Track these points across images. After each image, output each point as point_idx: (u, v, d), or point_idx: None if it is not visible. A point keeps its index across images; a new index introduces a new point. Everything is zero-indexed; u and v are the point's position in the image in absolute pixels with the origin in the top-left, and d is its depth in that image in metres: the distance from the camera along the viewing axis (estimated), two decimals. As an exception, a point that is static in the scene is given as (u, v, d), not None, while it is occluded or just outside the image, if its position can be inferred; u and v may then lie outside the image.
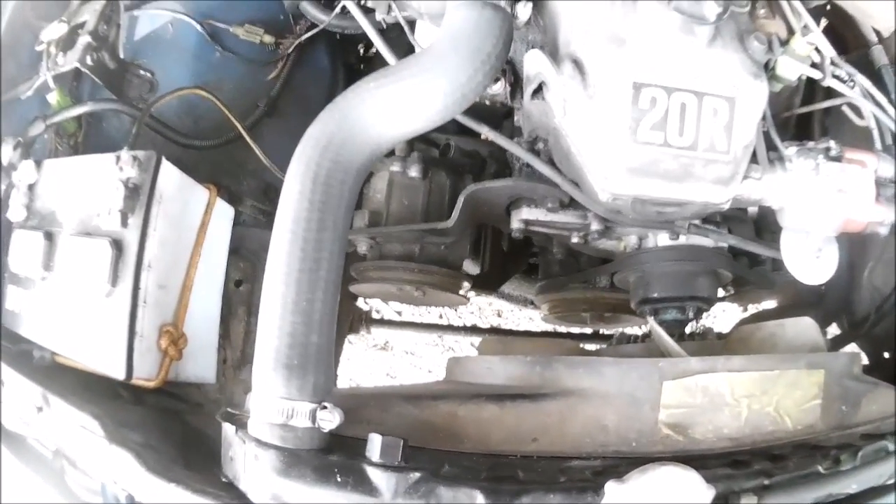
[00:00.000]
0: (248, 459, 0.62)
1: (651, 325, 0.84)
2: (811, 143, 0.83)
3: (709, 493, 0.62)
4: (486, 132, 0.81)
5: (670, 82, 0.70)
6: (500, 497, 0.60)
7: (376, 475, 0.60)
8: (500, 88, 0.77)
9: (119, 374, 0.73)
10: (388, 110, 0.64)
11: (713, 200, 0.76)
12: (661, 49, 0.71)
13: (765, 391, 0.76)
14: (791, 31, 0.87)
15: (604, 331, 1.38)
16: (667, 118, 0.70)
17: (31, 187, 0.87)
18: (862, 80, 0.89)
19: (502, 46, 0.68)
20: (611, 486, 0.59)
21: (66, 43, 0.93)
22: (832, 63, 0.88)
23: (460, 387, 0.76)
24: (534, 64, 0.70)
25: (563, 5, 0.73)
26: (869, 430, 0.82)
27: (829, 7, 0.98)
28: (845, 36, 1.06)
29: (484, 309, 2.16)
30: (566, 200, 0.85)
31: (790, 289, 1.25)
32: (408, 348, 2.23)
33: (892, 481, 0.76)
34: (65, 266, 0.79)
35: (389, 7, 0.81)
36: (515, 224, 0.89)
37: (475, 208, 0.89)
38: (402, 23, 0.80)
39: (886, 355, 1.14)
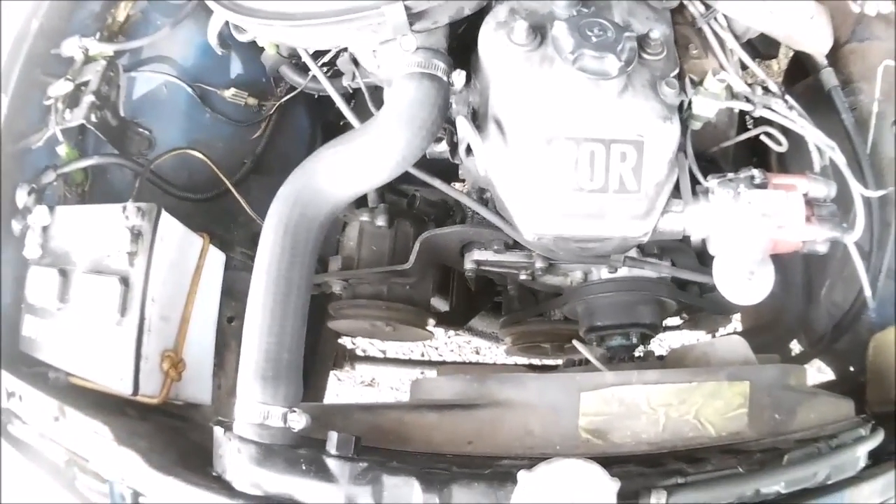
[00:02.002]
0: (232, 453, 0.97)
1: (575, 343, 1.17)
2: (732, 174, 1.15)
3: (612, 484, 0.91)
4: (438, 184, 1.17)
5: (578, 134, 1.04)
6: (432, 483, 0.93)
7: (333, 464, 0.94)
8: (442, 147, 1.12)
9: (127, 390, 1.09)
10: (341, 174, 1.01)
11: (630, 235, 1.10)
12: (571, 104, 1.04)
13: (682, 401, 1.07)
14: (722, 67, 1.22)
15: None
16: (577, 166, 1.04)
17: (45, 229, 1.25)
18: (795, 105, 1.23)
19: (437, 114, 1.03)
20: (522, 474, 0.92)
21: (72, 100, 1.31)
22: (769, 92, 1.22)
23: (408, 402, 1.11)
24: (461, 128, 1.06)
25: (489, 68, 1.08)
26: (806, 436, 1.12)
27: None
28: (804, 60, 1.40)
29: (463, 347, 2.77)
30: (510, 242, 1.20)
31: (752, 311, 1.58)
32: (393, 384, 2.72)
33: (830, 482, 1.03)
34: (79, 299, 1.16)
35: (354, 74, 1.19)
36: (468, 265, 1.26)
37: (433, 252, 1.25)
38: (363, 89, 1.18)
39: (852, 369, 1.45)
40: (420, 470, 0.95)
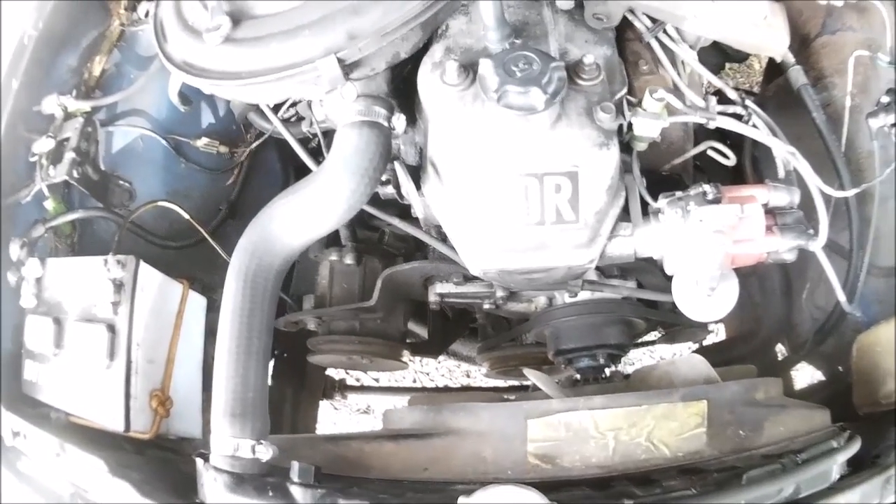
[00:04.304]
0: (210, 482, 1.27)
1: (525, 371, 1.44)
2: (681, 192, 1.32)
3: (549, 509, 1.18)
4: (397, 222, 1.45)
5: (510, 170, 1.24)
6: (384, 507, 1.23)
7: (296, 491, 1.23)
8: (390, 189, 1.40)
9: (119, 427, 1.42)
10: (292, 224, 1.30)
11: (575, 263, 1.33)
12: (501, 141, 1.23)
13: (632, 424, 1.31)
14: (675, 82, 1.42)
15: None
16: (511, 202, 1.24)
17: (38, 280, 1.59)
18: (757, 111, 1.40)
19: (379, 160, 1.29)
20: (461, 500, 1.19)
21: (55, 156, 1.64)
22: (725, 102, 1.42)
23: (369, 432, 1.41)
24: (398, 173, 1.34)
25: (427, 109, 1.32)
26: (773, 451, 1.32)
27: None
28: (773, 61, 1.58)
29: (454, 371, 3.20)
30: (469, 275, 1.47)
31: (734, 320, 1.81)
32: (387, 411, 3.13)
33: (801, 496, 1.21)
34: (72, 345, 1.50)
35: (311, 120, 1.48)
36: (432, 297, 1.54)
37: (398, 287, 1.55)
38: (319, 134, 1.47)
39: (841, 369, 1.65)
40: (374, 495, 1.24)
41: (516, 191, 1.26)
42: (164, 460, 1.53)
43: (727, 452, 1.34)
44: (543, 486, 1.19)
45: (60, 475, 1.49)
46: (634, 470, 1.31)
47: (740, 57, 1.62)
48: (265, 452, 1.26)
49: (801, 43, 1.64)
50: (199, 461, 1.32)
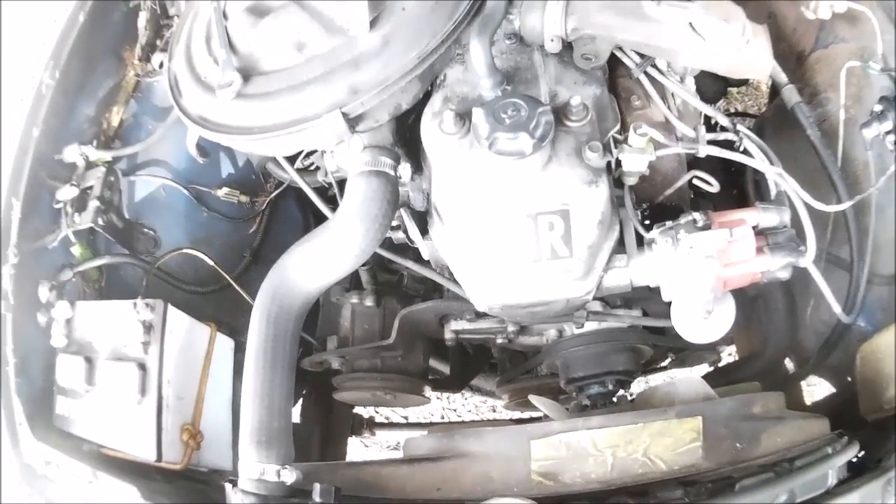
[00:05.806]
0: (237, 504, 1.54)
1: (531, 398, 1.70)
2: (671, 222, 1.52)
3: (546, 520, 1.43)
4: (411, 265, 1.71)
5: (505, 211, 1.46)
6: (398, 521, 1.48)
7: (318, 512, 1.50)
8: (400, 234, 1.66)
9: (151, 457, 1.70)
10: (309, 269, 1.57)
11: (572, 296, 1.59)
12: (495, 184, 1.45)
13: (629, 441, 1.54)
14: (665, 115, 1.62)
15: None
16: (508, 242, 1.48)
17: (68, 321, 1.86)
18: (749, 135, 1.56)
19: (388, 207, 1.54)
20: (466, 512, 1.45)
21: (80, 203, 1.91)
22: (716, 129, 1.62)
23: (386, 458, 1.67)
24: (404, 219, 1.60)
25: (430, 157, 1.56)
26: (769, 461, 1.51)
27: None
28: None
29: (480, 406, 3.56)
30: (481, 312, 1.73)
31: (744, 340, 2.04)
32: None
33: (798, 500, 1.39)
34: (104, 382, 1.77)
35: (326, 172, 1.75)
36: (447, 335, 1.81)
37: (415, 326, 1.82)
38: (333, 183, 1.74)
39: (850, 379, 1.84)
40: (393, 514, 1.50)
41: (512, 231, 1.49)
42: (193, 490, 1.80)
43: (724, 464, 1.54)
44: (546, 502, 1.44)
45: (92, 501, 1.73)
46: (632, 484, 1.53)
47: (738, 81, 1.78)
48: (289, 476, 1.51)
49: (797, 60, 1.80)
50: (227, 486, 1.57)
